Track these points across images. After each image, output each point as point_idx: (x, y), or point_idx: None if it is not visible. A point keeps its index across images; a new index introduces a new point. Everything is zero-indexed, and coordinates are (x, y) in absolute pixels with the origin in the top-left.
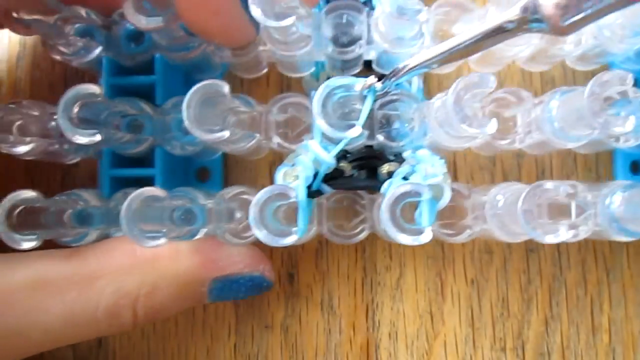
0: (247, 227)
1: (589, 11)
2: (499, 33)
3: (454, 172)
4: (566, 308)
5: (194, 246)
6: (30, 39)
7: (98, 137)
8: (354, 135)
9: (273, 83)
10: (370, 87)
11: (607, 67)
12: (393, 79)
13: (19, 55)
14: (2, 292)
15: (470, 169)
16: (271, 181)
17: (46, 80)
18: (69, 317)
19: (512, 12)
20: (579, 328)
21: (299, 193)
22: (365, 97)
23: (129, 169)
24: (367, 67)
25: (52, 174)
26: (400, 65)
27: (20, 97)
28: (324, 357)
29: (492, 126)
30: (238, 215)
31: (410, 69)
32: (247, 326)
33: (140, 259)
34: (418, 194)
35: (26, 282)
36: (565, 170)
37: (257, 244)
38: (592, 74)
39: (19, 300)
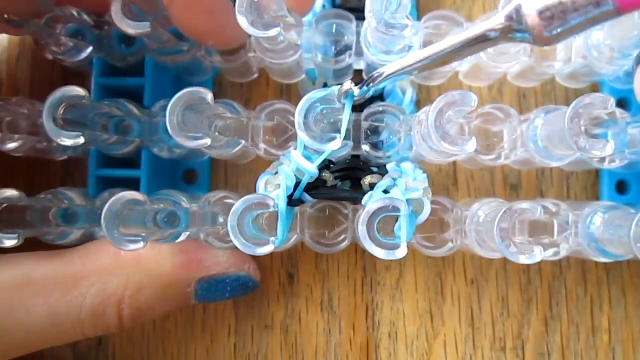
0: None
1: (573, 23)
2: (482, 41)
3: (454, 172)
4: (566, 308)
5: (178, 247)
6: (30, 40)
7: (82, 140)
8: (335, 148)
9: (273, 84)
10: (347, 93)
11: (597, 85)
12: (371, 85)
13: (19, 55)
14: None
15: (470, 169)
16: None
17: (46, 80)
18: (53, 318)
19: (496, 21)
20: (579, 328)
21: (279, 202)
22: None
23: (115, 169)
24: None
25: (53, 172)
26: (377, 72)
27: (20, 97)
28: (324, 357)
29: (472, 145)
30: (221, 219)
31: (388, 75)
32: (247, 326)
33: (125, 260)
34: (396, 209)
35: (10, 282)
36: (565, 171)
37: None
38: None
39: (3, 300)
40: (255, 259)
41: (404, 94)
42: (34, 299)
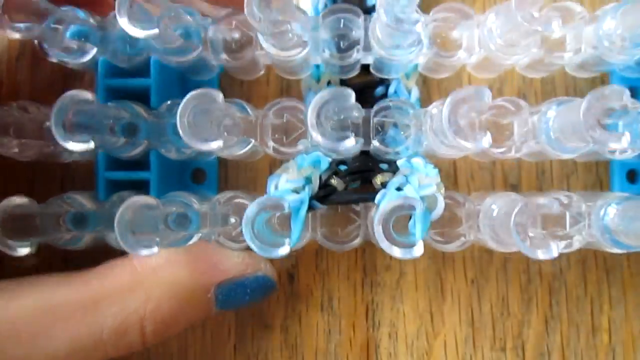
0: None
1: None
2: None
3: (454, 172)
4: (566, 308)
5: (193, 254)
6: (29, 40)
7: (92, 145)
8: (349, 146)
9: (273, 83)
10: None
11: (607, 74)
12: None
13: (19, 55)
14: (6, 318)
15: (470, 168)
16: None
17: (46, 80)
18: (75, 342)
19: None
20: (579, 328)
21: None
22: None
23: (124, 171)
24: (366, 71)
25: (52, 175)
26: None
27: (21, 97)
28: (324, 357)
29: (487, 140)
30: (232, 220)
31: None
32: (247, 326)
33: (142, 275)
34: (411, 207)
35: (30, 308)
36: (565, 170)
37: None
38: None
39: (23, 326)
40: None
41: (409, 93)
42: (55, 324)
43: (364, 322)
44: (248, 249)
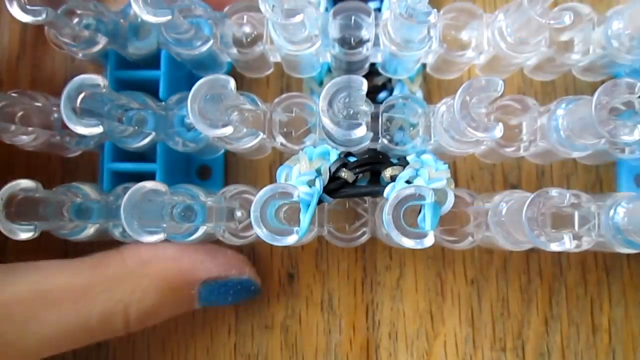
0: (247, 227)
1: None
2: None
3: (454, 173)
4: (566, 308)
5: (181, 250)
6: (30, 39)
7: (100, 129)
8: (360, 135)
9: (273, 83)
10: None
11: (612, 78)
12: None
13: (19, 55)
14: (1, 301)
15: (470, 169)
16: (271, 181)
17: (46, 80)
18: (64, 327)
19: None
20: (579, 328)
21: (305, 197)
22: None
23: (129, 163)
24: (369, 75)
25: (52, 170)
26: None
27: (34, 90)
28: (324, 357)
29: (499, 131)
30: (238, 214)
31: None
32: (247, 326)
33: (131, 268)
34: (422, 197)
35: (24, 293)
36: (565, 170)
37: (257, 243)
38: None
39: (17, 309)
40: (255, 261)
41: (414, 93)
42: (46, 310)
43: (364, 322)
44: (235, 252)
